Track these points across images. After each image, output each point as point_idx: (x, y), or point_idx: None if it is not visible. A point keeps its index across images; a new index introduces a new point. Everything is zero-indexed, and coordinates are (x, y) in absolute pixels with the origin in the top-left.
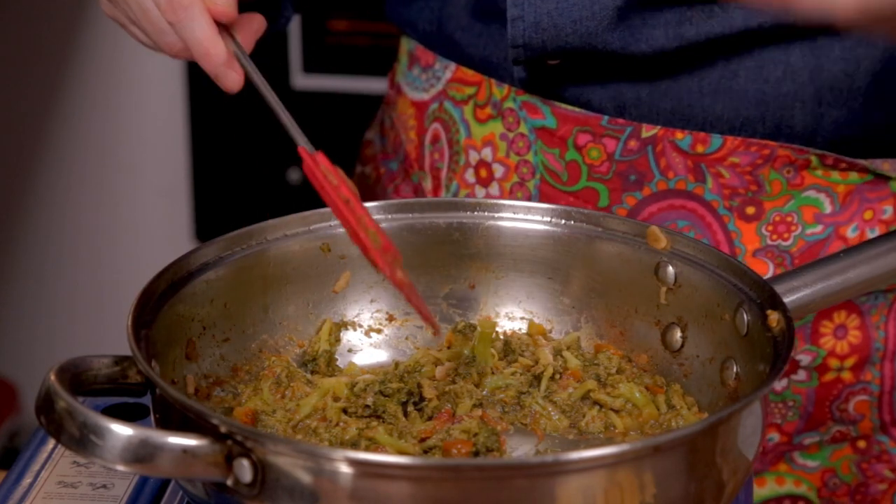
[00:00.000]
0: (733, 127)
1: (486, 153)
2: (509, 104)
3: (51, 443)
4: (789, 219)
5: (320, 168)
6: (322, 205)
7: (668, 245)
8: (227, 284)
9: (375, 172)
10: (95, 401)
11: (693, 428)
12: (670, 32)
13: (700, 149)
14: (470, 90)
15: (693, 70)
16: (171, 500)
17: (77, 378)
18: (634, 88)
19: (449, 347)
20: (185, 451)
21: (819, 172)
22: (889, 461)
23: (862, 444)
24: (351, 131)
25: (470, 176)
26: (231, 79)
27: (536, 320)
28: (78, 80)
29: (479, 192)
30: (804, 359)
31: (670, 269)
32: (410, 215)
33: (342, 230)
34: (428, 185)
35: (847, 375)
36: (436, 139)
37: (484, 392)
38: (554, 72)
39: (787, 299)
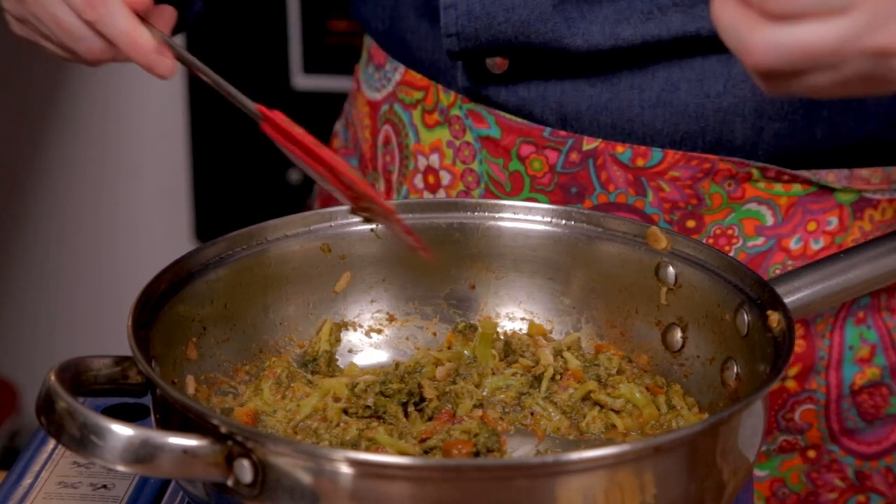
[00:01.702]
0: (674, 141)
1: (434, 160)
2: (456, 112)
3: (51, 443)
4: (730, 232)
5: (283, 120)
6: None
7: (669, 245)
8: (228, 285)
9: None
10: (96, 401)
11: (693, 428)
12: (606, 30)
13: (640, 162)
14: (418, 94)
15: (633, 81)
16: (171, 501)
17: (77, 378)
18: (575, 101)
19: (449, 348)
20: (186, 451)
21: (761, 185)
22: (839, 470)
23: (812, 453)
24: None
25: (419, 181)
26: (164, 65)
27: (537, 321)
28: (78, 80)
29: (428, 197)
30: None
31: (671, 269)
32: (410, 215)
33: (342, 230)
34: (381, 186)
35: (791, 384)
36: (387, 141)
37: (484, 392)
38: (496, 78)
39: (787, 300)
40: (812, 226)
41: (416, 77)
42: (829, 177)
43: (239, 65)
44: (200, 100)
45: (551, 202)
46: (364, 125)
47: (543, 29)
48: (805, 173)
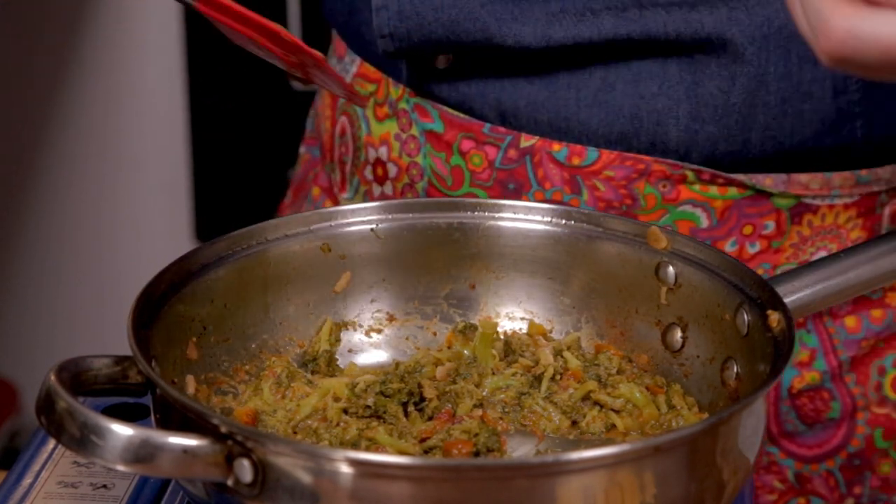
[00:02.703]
0: (609, 141)
1: (382, 152)
2: (403, 105)
3: (51, 443)
4: None
5: None
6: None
7: (669, 245)
8: (228, 284)
9: (305, 156)
10: (96, 401)
11: (693, 428)
12: (538, 31)
13: (576, 161)
14: (371, 87)
15: (570, 80)
16: (171, 501)
17: (77, 378)
18: (514, 98)
19: (449, 348)
20: (186, 451)
21: (696, 187)
22: (779, 472)
23: None
24: None
25: (368, 173)
26: None
27: (537, 320)
28: (78, 79)
29: (376, 189)
30: None
31: (671, 269)
32: (410, 215)
33: (342, 230)
34: (336, 177)
35: None
36: (343, 132)
37: (484, 392)
38: (438, 74)
39: (787, 300)
40: (748, 229)
41: (370, 70)
42: (767, 181)
43: (239, 65)
44: (201, 99)
45: (489, 198)
46: (325, 116)
47: (473, 28)
48: (741, 177)
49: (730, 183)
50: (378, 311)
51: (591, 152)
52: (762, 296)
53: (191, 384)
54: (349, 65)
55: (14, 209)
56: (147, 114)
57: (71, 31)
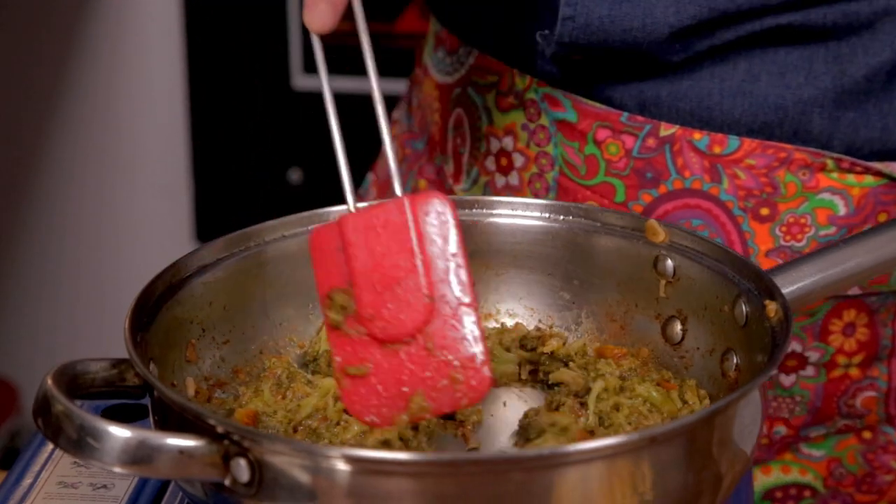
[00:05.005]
0: (751, 130)
1: (507, 142)
2: (531, 95)
3: (51, 443)
4: (803, 220)
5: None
6: (321, 205)
7: (666, 238)
8: (226, 286)
9: (402, 152)
10: (96, 402)
11: (690, 418)
12: (704, 42)
13: (717, 150)
14: (492, 78)
15: (714, 71)
16: (171, 501)
17: (74, 381)
18: (655, 88)
19: None
20: (182, 451)
21: (835, 175)
22: (895, 452)
23: (867, 434)
24: (351, 132)
25: (490, 163)
26: (321, 14)
27: (537, 316)
28: (78, 80)
29: (499, 180)
30: (813, 355)
31: (669, 262)
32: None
33: None
34: (450, 168)
35: (855, 372)
36: (459, 124)
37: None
38: (578, 67)
39: (786, 290)
40: (882, 217)
41: (491, 61)
42: None
43: (239, 65)
44: (201, 99)
45: (626, 187)
46: (434, 108)
47: (656, 50)
48: (877, 165)
49: (867, 171)
50: None
51: (733, 141)
52: (760, 286)
53: (191, 386)
54: (465, 57)
55: (14, 209)
56: (147, 114)
57: (71, 31)
